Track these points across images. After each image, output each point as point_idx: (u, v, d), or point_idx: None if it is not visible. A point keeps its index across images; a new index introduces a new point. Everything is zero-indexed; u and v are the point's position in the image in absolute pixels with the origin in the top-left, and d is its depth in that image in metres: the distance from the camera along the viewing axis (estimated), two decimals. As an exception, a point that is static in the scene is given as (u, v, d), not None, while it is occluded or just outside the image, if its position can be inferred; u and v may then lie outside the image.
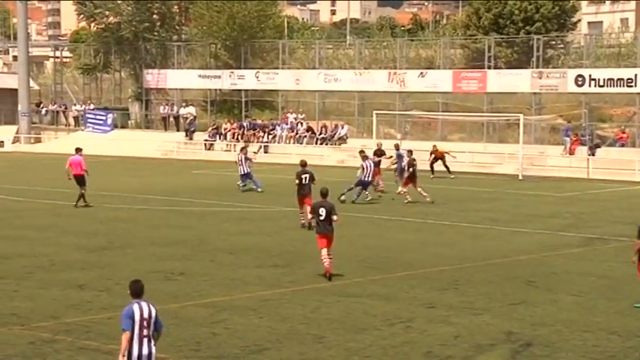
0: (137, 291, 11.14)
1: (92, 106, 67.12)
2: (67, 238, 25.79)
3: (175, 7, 67.51)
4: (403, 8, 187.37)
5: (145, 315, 10.96)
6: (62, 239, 25.66)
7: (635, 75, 49.11)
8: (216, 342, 15.17)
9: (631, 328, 16.34)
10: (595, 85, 50.03)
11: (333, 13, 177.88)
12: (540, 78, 51.70)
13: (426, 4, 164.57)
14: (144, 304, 11.05)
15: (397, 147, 39.37)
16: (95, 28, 70.73)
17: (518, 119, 46.88)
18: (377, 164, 36.27)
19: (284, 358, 14.39)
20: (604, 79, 49.75)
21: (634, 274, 20.83)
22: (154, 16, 66.20)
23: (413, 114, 54.54)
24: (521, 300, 18.41)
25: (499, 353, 14.71)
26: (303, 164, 28.96)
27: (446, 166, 44.83)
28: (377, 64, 62.72)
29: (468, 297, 18.63)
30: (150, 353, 10.92)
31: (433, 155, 45.03)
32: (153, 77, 64.93)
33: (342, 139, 55.87)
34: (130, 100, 67.93)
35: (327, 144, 55.95)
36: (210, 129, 59.85)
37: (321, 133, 56.57)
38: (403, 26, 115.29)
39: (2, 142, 65.20)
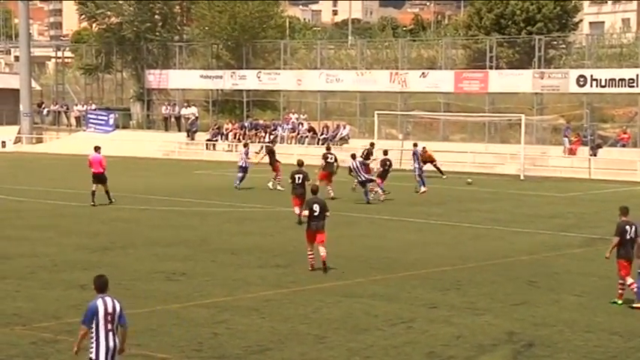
0: (101, 286, 11.55)
1: (94, 107, 67.15)
2: (68, 239, 25.79)
3: (177, 7, 67.53)
4: (405, 8, 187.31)
5: (109, 310, 11.29)
6: (64, 239, 25.67)
7: (637, 75, 49.09)
8: (218, 342, 15.17)
9: (632, 328, 16.34)
10: (597, 86, 50.01)
11: (335, 13, 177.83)
12: (542, 78, 51.69)
13: (428, 4, 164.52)
14: (108, 299, 11.40)
15: (415, 145, 40.56)
16: (97, 29, 70.76)
17: (520, 119, 46.87)
18: (365, 165, 36.59)
19: (285, 358, 14.39)
20: (605, 80, 49.73)
21: (635, 275, 20.84)
22: (156, 16, 66.20)
23: (414, 114, 54.53)
24: (523, 300, 18.41)
25: (501, 353, 14.71)
26: (300, 164, 29.34)
27: (437, 168, 44.68)
28: (379, 64, 62.72)
29: (470, 297, 18.63)
30: (115, 346, 11.24)
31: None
32: (154, 77, 64.95)
33: (344, 140, 55.88)
34: (131, 100, 67.94)
35: (327, 144, 55.91)
36: (211, 129, 59.87)
37: (322, 134, 56.58)
38: (405, 26, 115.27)
39: (4, 142, 65.24)
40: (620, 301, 18.03)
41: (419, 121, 55.63)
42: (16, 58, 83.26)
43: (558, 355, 14.64)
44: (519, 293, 18.98)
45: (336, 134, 56.21)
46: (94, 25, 71.05)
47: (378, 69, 59.90)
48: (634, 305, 17.73)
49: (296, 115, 58.79)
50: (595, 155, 48.14)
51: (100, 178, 32.93)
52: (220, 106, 63.49)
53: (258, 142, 56.35)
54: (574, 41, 61.81)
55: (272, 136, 56.04)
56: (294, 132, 57.19)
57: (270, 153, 39.42)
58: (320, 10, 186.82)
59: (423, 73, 55.67)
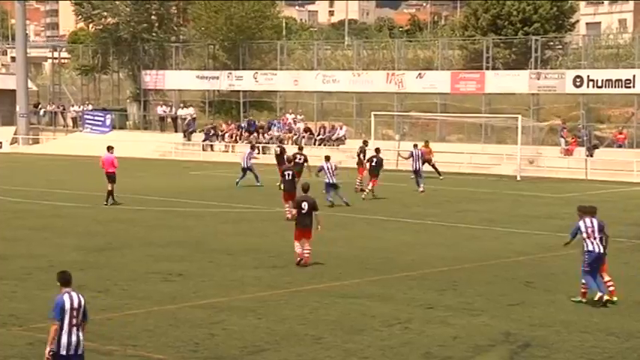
0: (66, 280, 11.75)
1: (90, 107, 67.12)
2: (65, 239, 25.79)
3: (173, 7, 67.51)
4: (401, 9, 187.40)
5: (75, 305, 11.49)
6: (60, 240, 25.67)
7: (634, 76, 49.12)
8: (214, 343, 15.18)
9: (629, 328, 16.36)
10: (593, 86, 50.04)
11: (332, 13, 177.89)
12: (538, 79, 51.72)
13: (424, 4, 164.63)
14: (74, 294, 11.59)
15: (415, 146, 40.58)
16: (93, 29, 70.78)
17: (517, 120, 46.89)
18: (361, 163, 37.02)
19: (282, 359, 14.40)
20: (602, 80, 49.75)
21: (632, 275, 20.90)
22: (152, 17, 66.16)
23: (411, 115, 54.53)
24: (520, 301, 18.42)
25: (498, 354, 14.73)
26: (290, 160, 29.77)
27: (435, 168, 44.72)
28: (375, 65, 62.73)
29: (467, 298, 18.64)
30: (78, 341, 11.45)
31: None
32: (151, 78, 64.91)
33: (341, 140, 55.89)
34: (128, 100, 67.92)
35: (325, 145, 55.93)
36: (205, 128, 59.77)
37: (319, 134, 56.60)
38: (401, 27, 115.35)
39: (0, 143, 65.17)
40: (584, 300, 18.14)
41: (415, 122, 55.63)
42: (13, 59, 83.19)
43: (555, 355, 14.65)
44: (516, 294, 19.00)
45: (333, 135, 56.21)
46: (90, 25, 71.07)
47: (374, 70, 59.91)
48: (605, 298, 17.73)
49: (292, 116, 58.72)
50: (592, 156, 48.17)
51: (111, 178, 33.32)
52: (217, 107, 63.46)
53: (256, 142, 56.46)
54: (570, 42, 61.88)
55: (266, 137, 56.09)
56: (289, 132, 57.14)
57: (281, 154, 39.55)
58: (316, 11, 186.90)
59: (419, 74, 55.69)
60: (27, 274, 20.72)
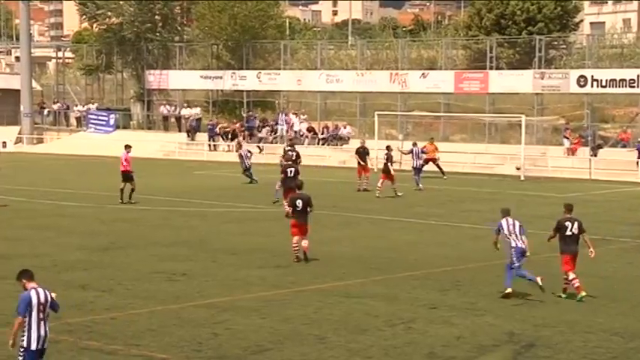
0: (31, 276, 12.06)
1: (96, 106, 67.11)
2: (69, 239, 25.80)
3: (177, 7, 67.53)
4: (405, 9, 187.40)
5: (42, 300, 11.80)
6: (64, 239, 25.68)
7: (638, 75, 49.04)
8: (217, 342, 15.17)
9: (633, 329, 16.33)
10: (597, 86, 49.99)
11: (335, 13, 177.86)
12: (542, 79, 51.68)
13: (428, 4, 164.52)
14: (40, 290, 11.90)
15: (415, 144, 41.02)
16: (97, 29, 70.80)
17: (520, 120, 46.86)
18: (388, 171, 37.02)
19: (285, 358, 14.39)
20: (606, 80, 49.70)
21: (636, 275, 20.89)
22: (156, 16, 66.19)
23: (414, 114, 54.51)
24: (524, 301, 18.40)
25: (501, 354, 14.71)
26: (288, 159, 30.03)
27: (439, 168, 44.71)
28: (379, 64, 62.71)
29: (470, 298, 18.62)
30: (46, 334, 11.81)
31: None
32: (155, 78, 64.93)
33: (344, 140, 55.88)
34: (132, 100, 67.95)
35: (328, 144, 55.95)
36: (209, 123, 59.68)
37: (322, 134, 56.59)
38: (405, 27, 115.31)
39: (5, 142, 65.21)
40: (564, 295, 18.65)
41: (419, 122, 55.62)
42: (17, 59, 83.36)
43: (559, 355, 14.63)
44: (519, 293, 18.96)
45: (336, 134, 56.19)
46: (94, 25, 71.06)
47: (378, 69, 59.89)
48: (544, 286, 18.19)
49: (294, 116, 58.61)
50: (595, 156, 48.12)
51: (127, 177, 33.71)
52: (220, 107, 63.46)
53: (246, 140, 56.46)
54: (574, 41, 61.80)
55: (272, 134, 56.14)
56: (290, 131, 57.09)
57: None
58: (320, 11, 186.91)
59: (423, 74, 55.67)
60: (31, 274, 20.68)
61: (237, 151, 41.59)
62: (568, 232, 18.67)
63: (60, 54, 75.64)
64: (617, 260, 22.89)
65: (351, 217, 30.42)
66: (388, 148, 39.56)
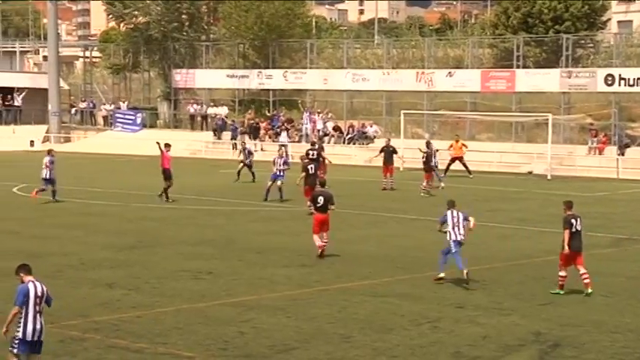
0: (29, 270, 12.24)
1: (126, 104, 67.28)
2: (96, 237, 25.93)
3: (204, 7, 67.71)
4: (431, 8, 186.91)
5: (39, 293, 12.07)
6: (91, 238, 25.82)
7: (666, 74, 48.71)
8: (243, 341, 15.20)
9: (661, 329, 16.22)
10: (625, 85, 49.66)
11: (361, 12, 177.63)
12: (569, 77, 51.40)
13: (455, 3, 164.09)
14: (37, 283, 12.15)
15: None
16: (124, 28, 71.13)
17: (547, 119, 46.65)
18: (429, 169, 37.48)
19: (311, 357, 14.40)
20: (634, 79, 49.34)
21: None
22: (183, 16, 66.40)
23: (441, 113, 54.37)
24: (550, 300, 18.33)
25: (527, 354, 14.66)
26: (308, 157, 30.61)
27: (465, 167, 44.60)
28: (405, 63, 62.58)
29: (497, 297, 18.58)
30: (41, 327, 12.08)
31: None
32: (181, 77, 65.12)
33: (370, 139, 55.80)
34: (158, 99, 68.15)
35: (354, 143, 55.89)
36: (230, 126, 59.63)
37: (348, 133, 56.54)
38: (431, 26, 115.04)
39: (32, 141, 65.58)
40: (562, 292, 18.82)
41: (445, 121, 55.49)
42: (45, 58, 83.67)
43: (585, 355, 14.56)
44: (546, 293, 18.89)
45: (362, 133, 56.12)
46: (121, 24, 71.43)
47: (404, 68, 59.76)
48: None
49: (318, 115, 58.50)
50: (623, 155, 47.82)
51: (167, 175, 34.01)
52: (247, 106, 63.52)
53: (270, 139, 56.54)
54: (602, 40, 61.39)
55: (297, 133, 56.18)
56: (315, 130, 57.05)
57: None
58: (346, 10, 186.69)
59: (449, 73, 55.52)
60: (58, 272, 20.86)
61: (242, 148, 41.82)
62: (574, 229, 18.81)
63: (87, 53, 75.90)
64: (645, 260, 22.76)
65: (377, 216, 30.39)
66: (428, 145, 39.59)
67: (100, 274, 20.54)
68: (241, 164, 40.94)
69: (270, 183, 34.26)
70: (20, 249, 23.41)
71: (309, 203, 29.30)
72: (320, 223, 22.69)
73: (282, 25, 63.67)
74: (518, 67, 53.68)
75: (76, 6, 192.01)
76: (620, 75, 49.84)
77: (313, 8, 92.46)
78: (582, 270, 18.77)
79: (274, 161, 34.95)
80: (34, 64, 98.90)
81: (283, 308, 17.44)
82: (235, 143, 42.25)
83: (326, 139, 54.63)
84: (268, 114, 60.45)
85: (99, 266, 21.57)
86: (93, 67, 76.48)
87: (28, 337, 11.89)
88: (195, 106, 64.10)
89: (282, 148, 36.62)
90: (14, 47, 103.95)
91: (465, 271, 19.62)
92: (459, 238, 19.92)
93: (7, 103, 68.09)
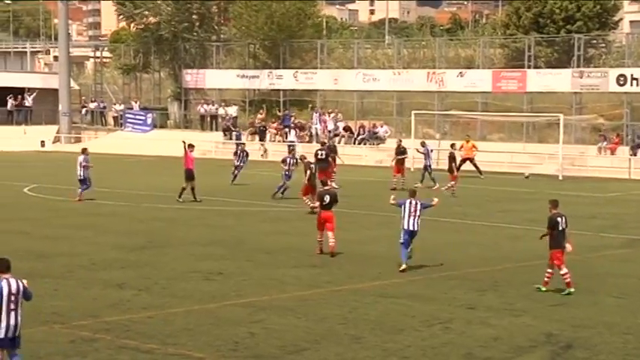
0: (5, 267, 12.07)
1: (138, 104, 67.29)
2: (106, 237, 25.96)
3: (214, 7, 67.79)
4: (442, 8, 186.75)
5: (14, 290, 11.95)
6: (102, 238, 25.85)
7: (678, 74, 48.57)
8: (254, 342, 15.20)
9: (673, 330, 16.15)
10: (637, 85, 49.57)
11: (372, 12, 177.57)
12: (581, 77, 51.31)
13: (466, 3, 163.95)
14: (12, 280, 12.00)
15: (423, 144, 41.08)
16: (135, 29, 71.28)
17: (559, 119, 46.55)
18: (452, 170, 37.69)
19: (322, 358, 14.38)
20: (646, 79, 49.26)
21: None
22: (193, 16, 66.51)
23: (452, 114, 54.35)
24: (562, 301, 18.28)
25: (539, 355, 14.61)
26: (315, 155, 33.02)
27: (476, 167, 44.56)
28: (416, 63, 62.56)
29: (508, 298, 18.54)
30: (16, 324, 12.02)
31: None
32: (192, 77, 65.24)
33: (381, 139, 55.78)
34: (169, 99, 68.27)
35: (365, 144, 55.88)
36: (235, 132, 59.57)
37: (359, 134, 56.53)
38: (442, 26, 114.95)
39: (43, 141, 65.81)
40: (544, 288, 19.02)
41: (456, 121, 55.45)
42: (55, 58, 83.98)
43: (597, 357, 14.51)
44: (558, 294, 18.84)
45: (373, 134, 56.07)
46: (132, 25, 71.58)
47: (415, 68, 59.74)
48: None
49: (328, 116, 58.41)
50: (635, 155, 47.69)
51: (190, 175, 34.12)
52: (257, 106, 63.52)
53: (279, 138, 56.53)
54: (614, 40, 61.25)
55: (307, 134, 56.19)
56: (325, 131, 57.02)
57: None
58: (357, 10, 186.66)
59: (460, 73, 55.49)
60: (69, 272, 20.89)
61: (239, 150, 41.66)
62: (559, 228, 19.00)
63: (98, 53, 76.22)
64: (657, 261, 22.67)
65: (388, 216, 30.27)
66: (452, 146, 39.69)
67: (110, 275, 20.56)
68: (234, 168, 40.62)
69: (285, 182, 34.36)
70: (30, 249, 23.47)
71: (306, 200, 30.88)
72: (324, 219, 23.13)
73: (293, 25, 63.74)
74: (529, 67, 53.61)
75: (87, 6, 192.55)
76: (632, 75, 49.74)
77: (324, 8, 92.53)
78: (564, 270, 18.89)
79: (285, 160, 35.01)
80: (45, 64, 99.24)
81: (293, 309, 17.43)
82: (237, 151, 41.96)
83: (336, 139, 54.65)
84: (279, 113, 60.37)
85: (109, 267, 21.60)
86: (103, 68, 76.71)
87: (2, 335, 11.93)
88: (205, 106, 64.15)
89: (320, 151, 36.43)
90: (25, 47, 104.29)
91: (403, 266, 20.84)
92: (410, 228, 20.93)
93: (17, 103, 68.25)
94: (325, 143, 40.35)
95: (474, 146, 45.25)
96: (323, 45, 62.61)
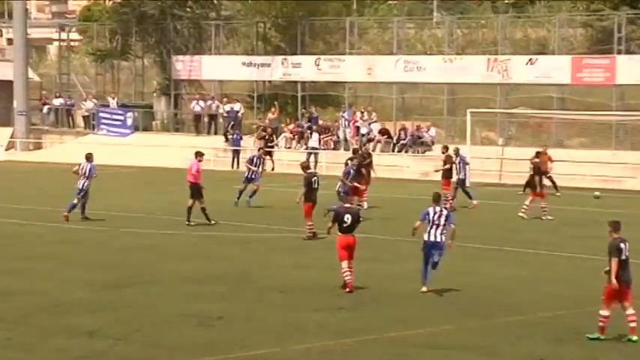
0: None
1: (115, 100, 67.34)
2: (75, 271, 26.04)
3: (213, -26, 67.91)
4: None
5: None
6: (69, 272, 25.92)
7: None
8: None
9: None
10: None
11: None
12: (688, 65, 51.18)
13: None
14: None
15: (457, 152, 41.01)
16: (111, 3, 71.34)
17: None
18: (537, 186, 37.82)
19: None
20: None
21: None
22: (186, -14, 66.69)
23: (519, 112, 54.21)
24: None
25: None
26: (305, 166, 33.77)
27: (552, 182, 44.45)
28: (472, 47, 62.56)
29: (592, 350, 18.52)
30: None
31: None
32: (184, 66, 65.38)
33: (427, 146, 55.74)
34: (154, 94, 68.43)
35: (407, 151, 55.83)
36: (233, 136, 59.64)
37: (400, 138, 56.51)
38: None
39: (-7, 148, 65.99)
40: (602, 336, 19.14)
41: (525, 122, 55.30)
42: (10, 41, 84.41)
43: None
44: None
45: (417, 138, 56.00)
46: (107, -2, 71.79)
47: (471, 54, 59.73)
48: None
49: (366, 114, 58.44)
50: None
51: (194, 191, 34.58)
52: (268, 103, 63.55)
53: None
54: None
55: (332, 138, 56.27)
56: (363, 136, 57.05)
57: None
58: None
59: (530, 60, 55.40)
60: (26, 316, 20.95)
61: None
62: (622, 256, 19.05)
63: (63, 35, 76.47)
64: None
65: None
66: (538, 154, 39.68)
67: (79, 320, 20.61)
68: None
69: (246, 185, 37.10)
70: (-22, 286, 23.59)
71: (309, 224, 31.23)
72: (346, 247, 23.44)
73: (314, -2, 63.80)
74: (619, 52, 53.46)
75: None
76: None
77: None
78: (630, 310, 18.96)
79: (252, 159, 38.27)
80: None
81: (315, 364, 17.45)
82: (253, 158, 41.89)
83: (370, 145, 54.68)
84: (304, 112, 60.14)
85: (78, 309, 21.65)
86: (71, 53, 77.01)
87: None
88: (201, 103, 64.23)
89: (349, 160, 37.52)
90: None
91: (423, 288, 22.34)
92: (431, 239, 22.07)
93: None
94: (358, 151, 40.41)
95: (549, 159, 45.06)
96: (353, 24, 62.61)
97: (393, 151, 56.16)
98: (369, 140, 56.50)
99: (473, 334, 19.73)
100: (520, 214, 37.00)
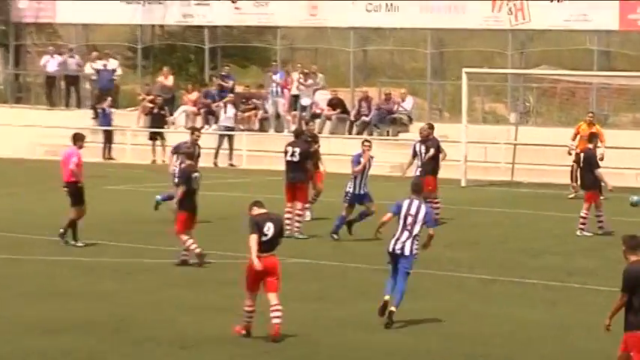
0: None
1: None
2: None
3: None
4: None
5: None
6: None
7: None
8: None
9: None
10: None
11: None
12: None
13: None
14: None
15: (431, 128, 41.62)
16: None
17: None
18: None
19: None
20: None
21: None
22: None
23: (540, 74, 54.51)
24: None
25: None
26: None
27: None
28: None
29: None
30: None
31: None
32: (30, 4, 65.24)
33: (402, 124, 55.70)
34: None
35: (371, 133, 55.79)
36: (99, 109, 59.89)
37: (360, 113, 56.49)
38: None
39: None
40: None
41: (549, 89, 55.67)
42: None
43: None
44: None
45: (387, 113, 56.01)
46: None
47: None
48: None
49: (298, 75, 58.51)
50: None
51: (73, 194, 35.04)
52: (159, 60, 63.67)
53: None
54: None
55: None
56: (303, 109, 57.26)
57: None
58: None
59: (556, -5, 55.71)
60: None
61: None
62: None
63: None
64: None
65: (426, 274, 30.16)
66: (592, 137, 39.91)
67: None
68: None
69: None
70: None
71: (186, 240, 31.66)
72: (262, 273, 23.09)
73: None
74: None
75: None
76: None
77: None
78: None
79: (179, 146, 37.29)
80: None
81: None
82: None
83: (316, 123, 54.65)
84: (217, 76, 60.37)
85: None
86: None
87: None
88: (57, 58, 64.09)
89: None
90: None
91: (387, 297, 23.90)
92: (397, 249, 23.81)
93: None
94: (302, 133, 40.10)
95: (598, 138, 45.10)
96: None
97: (350, 132, 56.25)
98: (313, 116, 56.43)
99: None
100: (578, 232, 37.32)
